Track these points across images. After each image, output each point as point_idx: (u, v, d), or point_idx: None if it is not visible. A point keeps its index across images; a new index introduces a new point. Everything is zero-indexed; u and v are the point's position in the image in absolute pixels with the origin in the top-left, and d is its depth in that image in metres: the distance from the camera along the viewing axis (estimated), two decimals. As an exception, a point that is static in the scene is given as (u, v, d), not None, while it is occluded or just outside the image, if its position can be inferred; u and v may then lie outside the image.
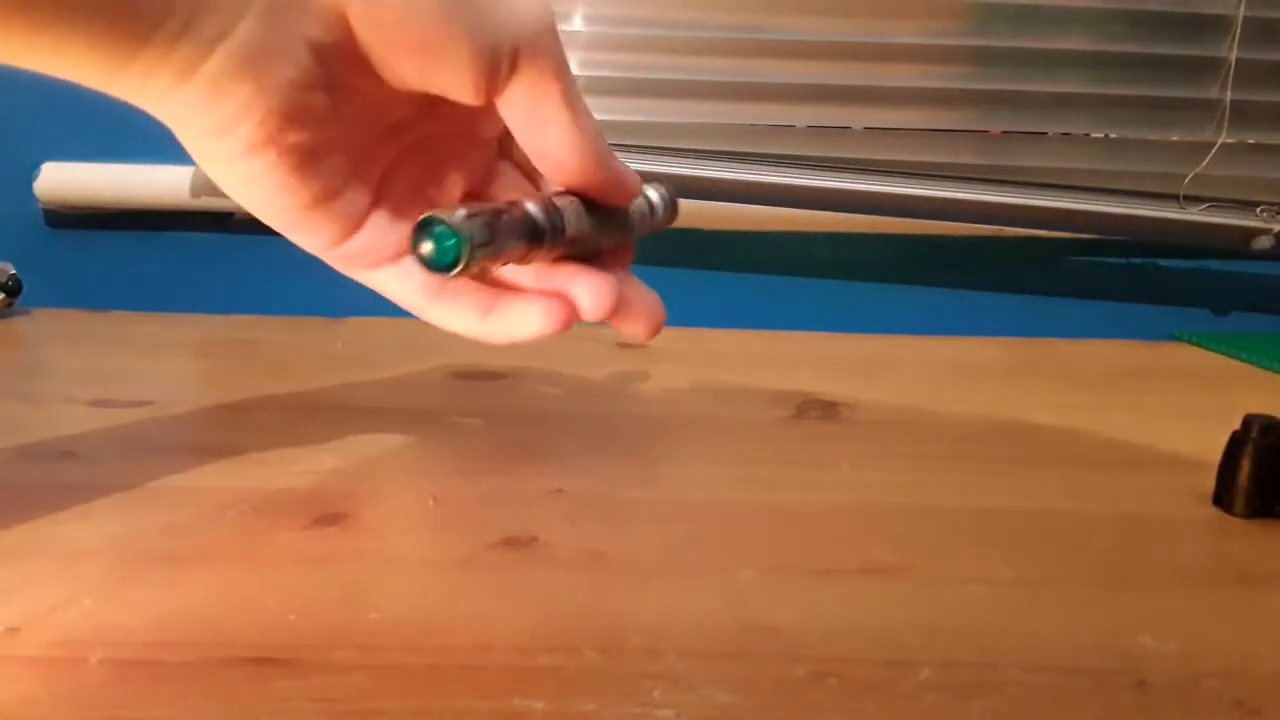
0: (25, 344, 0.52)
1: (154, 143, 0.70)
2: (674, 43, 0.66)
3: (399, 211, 0.27)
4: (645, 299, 0.30)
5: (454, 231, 0.23)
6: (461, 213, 0.24)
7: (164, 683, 0.19)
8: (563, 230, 0.27)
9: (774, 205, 0.65)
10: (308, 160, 0.24)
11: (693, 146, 0.66)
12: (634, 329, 0.30)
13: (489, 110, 0.26)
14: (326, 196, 0.25)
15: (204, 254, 0.66)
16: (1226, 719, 0.19)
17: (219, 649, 0.20)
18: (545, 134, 0.26)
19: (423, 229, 0.23)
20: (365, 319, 0.58)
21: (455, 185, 0.29)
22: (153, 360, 0.48)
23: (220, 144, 0.23)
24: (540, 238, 0.26)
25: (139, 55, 0.22)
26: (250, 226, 0.71)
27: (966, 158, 0.65)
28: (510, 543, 0.26)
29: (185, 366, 0.48)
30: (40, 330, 0.55)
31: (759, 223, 0.66)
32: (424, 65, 0.24)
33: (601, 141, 0.27)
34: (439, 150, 0.28)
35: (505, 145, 0.30)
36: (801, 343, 0.56)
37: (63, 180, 0.63)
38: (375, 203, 0.27)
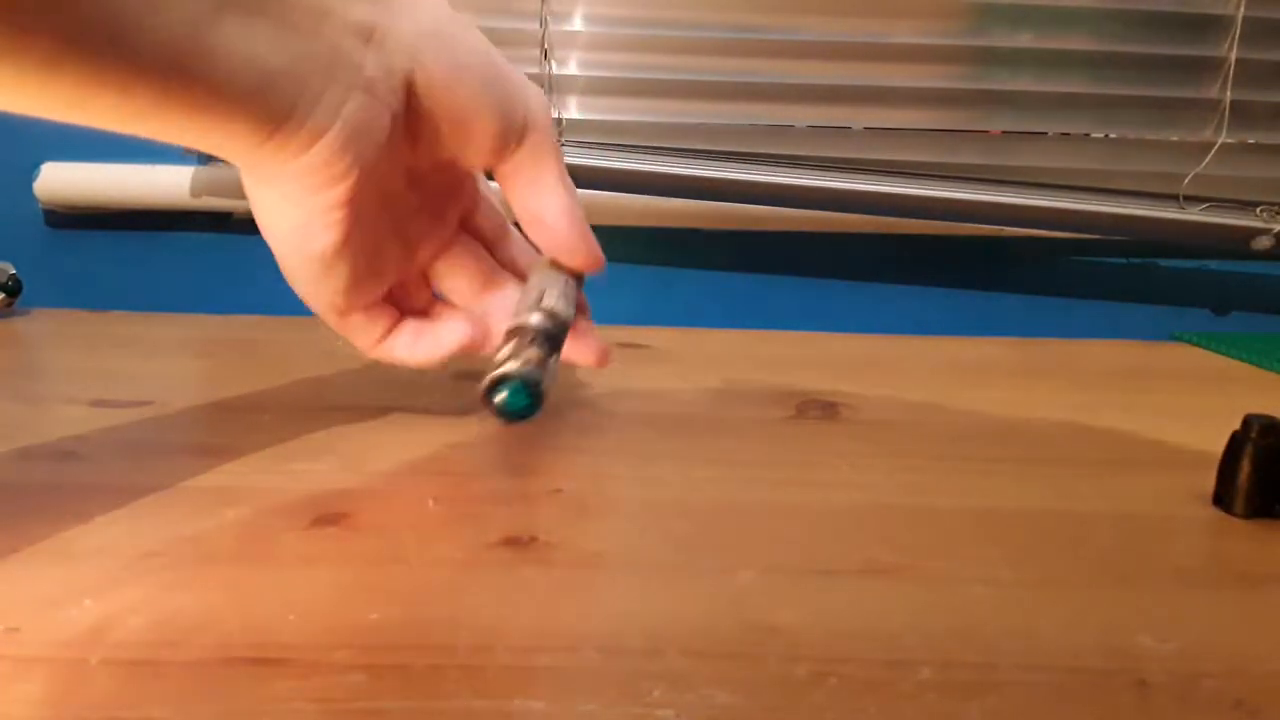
0: (25, 344, 0.52)
1: (153, 143, 0.70)
2: (674, 43, 0.66)
3: (378, 268, 0.31)
4: (594, 332, 0.36)
5: (524, 383, 0.28)
6: (517, 364, 0.28)
7: (164, 682, 0.19)
8: (567, 322, 0.31)
9: (774, 205, 0.65)
10: (365, 211, 0.29)
11: (693, 146, 0.66)
12: (585, 357, 0.35)
13: (464, 185, 0.33)
14: (366, 250, 0.30)
15: (204, 254, 0.66)
16: (1226, 718, 0.19)
17: (219, 649, 0.20)
18: (544, 200, 0.30)
19: (497, 386, 0.28)
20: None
21: (426, 251, 0.33)
22: (153, 360, 0.48)
23: (309, 199, 0.27)
24: (560, 342, 0.31)
25: (276, 135, 0.25)
26: (250, 227, 0.71)
27: (966, 158, 0.65)
28: (510, 543, 0.26)
29: (185, 366, 0.48)
30: (40, 330, 0.55)
31: (759, 223, 0.66)
32: (459, 128, 0.28)
33: (583, 213, 0.32)
34: (417, 218, 0.33)
35: (465, 219, 0.35)
36: (801, 343, 0.56)
37: (63, 180, 0.63)
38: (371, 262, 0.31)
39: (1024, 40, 0.64)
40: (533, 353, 0.29)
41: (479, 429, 0.37)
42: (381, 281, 0.32)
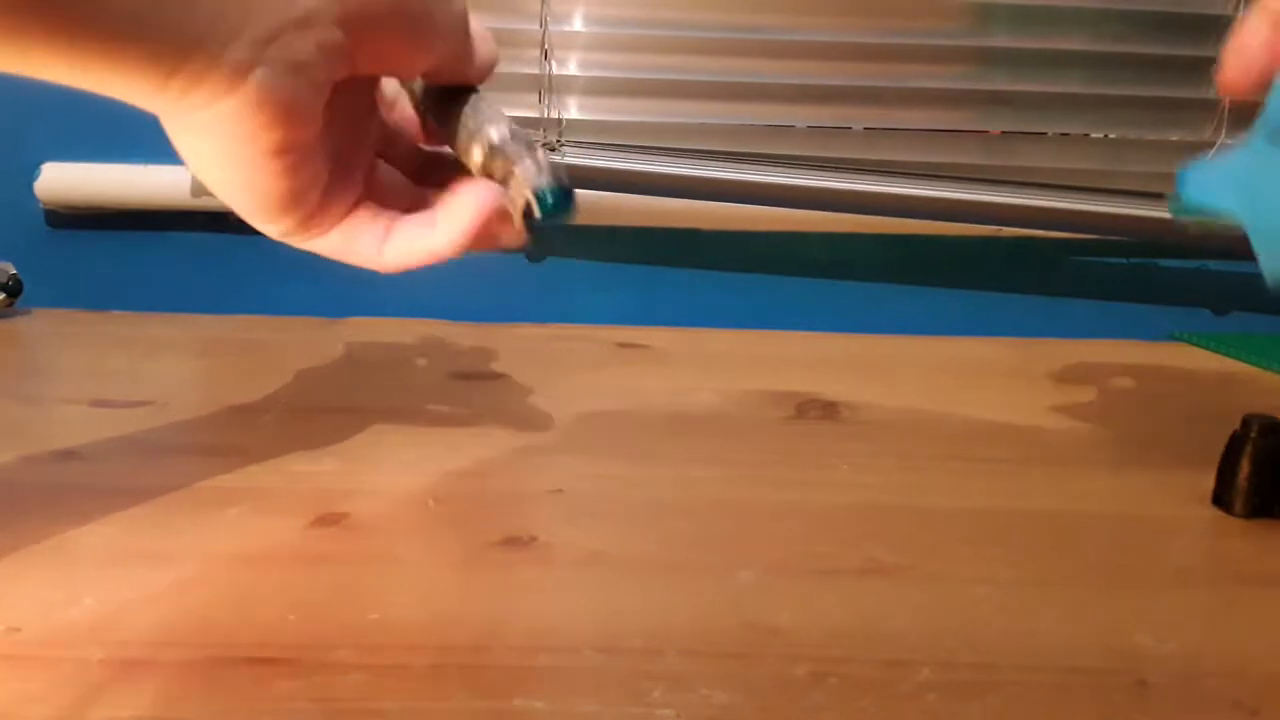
0: (26, 344, 0.52)
1: (154, 143, 0.70)
2: (674, 43, 0.66)
3: (341, 181, 0.28)
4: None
5: (557, 185, 0.27)
6: (535, 172, 0.27)
7: (165, 682, 0.19)
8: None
9: (774, 205, 0.65)
10: (308, 154, 0.26)
11: (692, 147, 0.66)
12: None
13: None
14: (315, 181, 0.27)
15: (204, 254, 0.66)
16: (1225, 718, 0.19)
17: (220, 648, 0.20)
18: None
19: (539, 200, 0.27)
20: (365, 319, 0.58)
21: (368, 148, 0.30)
22: (153, 360, 0.48)
23: (238, 148, 0.24)
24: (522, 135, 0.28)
25: (176, 76, 0.22)
26: (250, 227, 0.71)
27: (966, 158, 0.65)
28: (510, 543, 0.26)
29: (186, 366, 0.48)
30: (41, 330, 0.55)
31: (759, 223, 0.66)
32: (402, 55, 0.26)
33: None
34: (357, 123, 0.30)
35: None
36: (801, 343, 0.56)
37: (63, 180, 0.63)
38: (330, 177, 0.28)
39: (1024, 40, 0.63)
40: (533, 156, 0.27)
41: (479, 429, 0.37)
42: (349, 193, 0.29)
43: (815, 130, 0.67)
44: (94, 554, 0.25)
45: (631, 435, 0.37)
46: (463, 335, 0.54)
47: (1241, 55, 0.28)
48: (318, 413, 0.38)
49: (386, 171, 0.31)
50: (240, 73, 0.22)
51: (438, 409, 0.39)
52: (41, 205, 0.64)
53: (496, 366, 0.46)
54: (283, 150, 0.24)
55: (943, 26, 0.65)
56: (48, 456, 0.33)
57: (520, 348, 0.51)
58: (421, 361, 0.47)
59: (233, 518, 0.27)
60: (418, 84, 0.30)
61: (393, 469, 0.32)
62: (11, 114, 0.63)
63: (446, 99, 0.29)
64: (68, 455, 0.33)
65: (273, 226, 0.28)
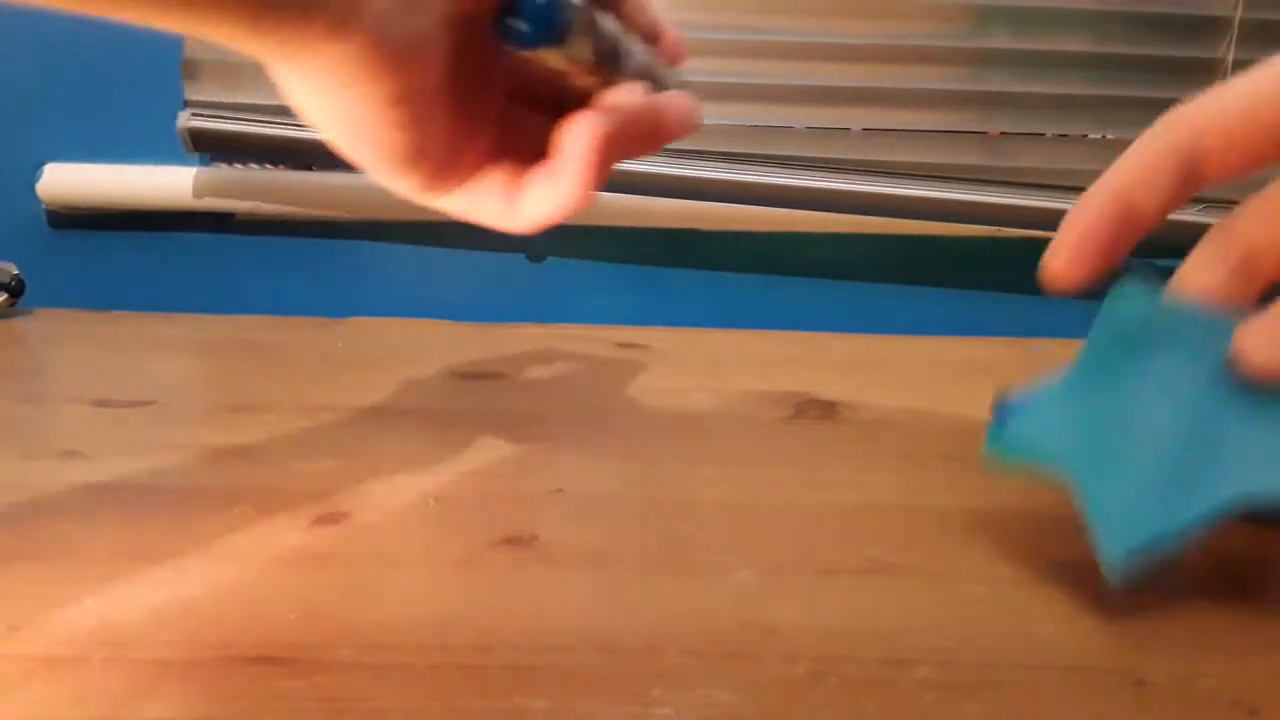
0: (28, 344, 0.52)
1: (156, 143, 0.70)
2: (674, 43, 0.66)
3: (469, 132, 0.25)
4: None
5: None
6: None
7: (166, 682, 0.19)
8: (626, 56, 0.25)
9: (774, 205, 0.65)
10: (431, 102, 0.23)
11: (693, 147, 0.66)
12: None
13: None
14: (441, 132, 0.24)
15: (206, 254, 0.66)
16: (1225, 718, 0.19)
17: (221, 648, 0.20)
18: None
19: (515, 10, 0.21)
20: (365, 319, 0.58)
21: (497, 93, 0.27)
22: (155, 360, 0.48)
23: (360, 94, 0.22)
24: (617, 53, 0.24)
25: (271, 19, 0.20)
26: (251, 227, 0.72)
27: (966, 158, 0.65)
28: (510, 542, 0.26)
29: (187, 366, 0.48)
30: (43, 330, 0.55)
31: (759, 223, 0.66)
32: None
33: None
34: (485, 63, 0.26)
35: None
36: (801, 343, 0.56)
37: (65, 181, 0.63)
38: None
39: (1023, 41, 0.64)
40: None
41: (479, 429, 0.37)
42: (479, 145, 0.25)
43: (815, 130, 0.67)
44: (95, 553, 0.25)
45: (631, 435, 0.37)
46: (463, 335, 0.54)
47: (1079, 236, 0.23)
48: (319, 412, 0.38)
49: (523, 119, 0.27)
50: (351, 12, 0.20)
51: (438, 409, 0.39)
52: (43, 205, 0.64)
53: (496, 366, 0.47)
54: (402, 99, 0.22)
55: (942, 28, 0.66)
56: (49, 456, 0.33)
57: (520, 348, 0.51)
58: (421, 361, 0.47)
59: (234, 517, 0.27)
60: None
61: (393, 468, 0.32)
62: (13, 114, 0.63)
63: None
64: (69, 455, 0.33)
65: (400, 183, 0.25)
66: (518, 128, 0.27)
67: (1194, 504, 0.22)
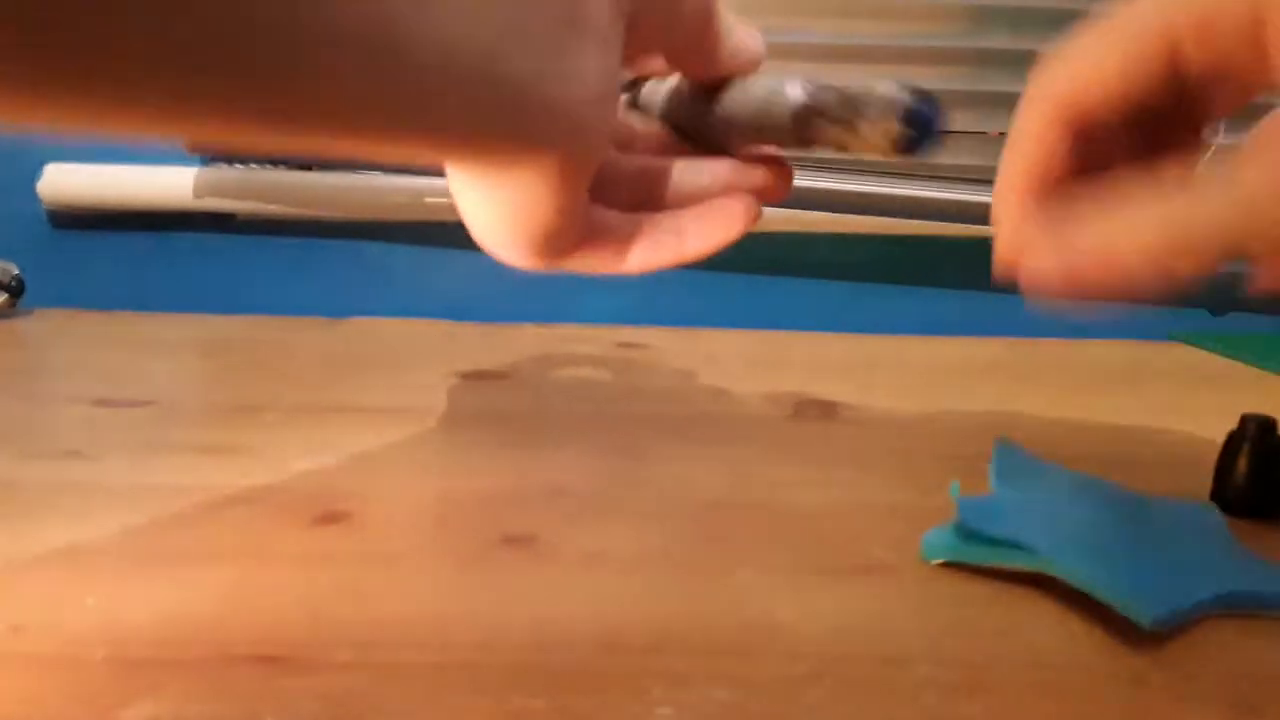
0: (29, 344, 0.52)
1: (156, 144, 0.70)
2: (674, 43, 0.66)
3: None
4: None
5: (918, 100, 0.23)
6: (892, 87, 0.24)
7: (167, 681, 0.19)
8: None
9: (773, 205, 0.65)
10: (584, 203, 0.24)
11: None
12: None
13: None
14: (579, 226, 0.25)
15: (207, 255, 0.66)
16: (1224, 717, 0.19)
17: (222, 647, 0.20)
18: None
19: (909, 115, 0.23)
20: (366, 319, 0.58)
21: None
22: (155, 360, 0.48)
23: (534, 208, 0.22)
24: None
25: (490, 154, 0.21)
26: (252, 227, 0.72)
27: (966, 158, 0.65)
28: (510, 542, 0.26)
29: (187, 366, 0.48)
30: (43, 330, 0.55)
31: (759, 223, 0.67)
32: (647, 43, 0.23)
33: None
34: None
35: None
36: (800, 343, 0.56)
37: (66, 181, 0.63)
38: None
39: (1023, 42, 0.64)
40: (872, 85, 0.24)
41: (479, 429, 0.37)
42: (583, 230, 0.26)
43: (815, 131, 0.67)
44: (97, 553, 0.25)
45: (632, 435, 0.37)
46: (463, 335, 0.54)
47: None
48: (320, 412, 0.38)
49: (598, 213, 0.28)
50: (559, 134, 0.20)
51: (438, 409, 0.39)
52: (44, 206, 0.64)
53: (497, 366, 0.47)
54: (568, 207, 0.23)
55: (942, 28, 0.66)
56: (51, 456, 0.33)
57: (520, 348, 0.51)
58: (421, 361, 0.47)
59: (235, 517, 0.28)
60: (659, 89, 0.27)
61: (394, 468, 0.32)
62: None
63: (697, 97, 0.26)
64: (71, 455, 0.33)
65: (524, 264, 0.25)
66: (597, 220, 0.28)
67: (1194, 590, 0.23)
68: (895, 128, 0.23)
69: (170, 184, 0.62)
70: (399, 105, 0.17)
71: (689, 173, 0.28)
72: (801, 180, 0.65)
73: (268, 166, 0.64)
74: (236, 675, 0.19)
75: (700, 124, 0.27)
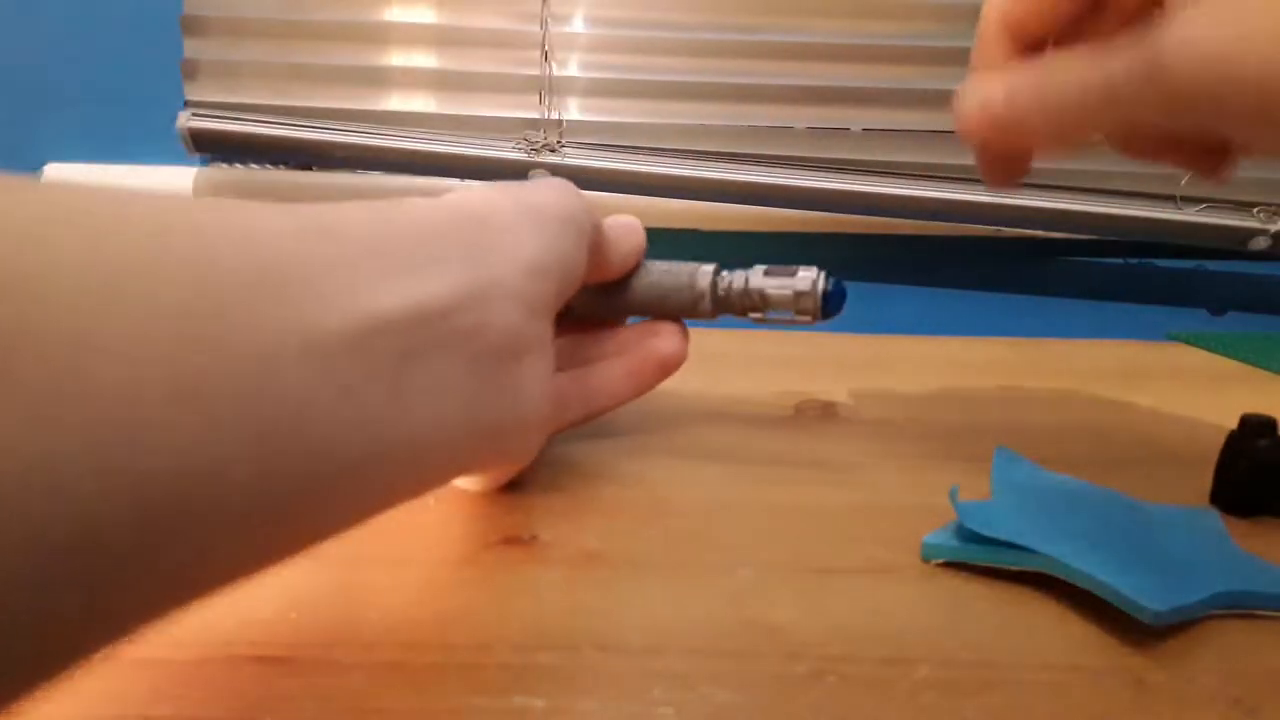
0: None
1: (156, 143, 0.70)
2: (674, 45, 0.66)
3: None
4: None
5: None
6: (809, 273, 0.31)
7: (166, 681, 0.19)
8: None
9: (774, 206, 0.65)
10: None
11: (693, 147, 0.66)
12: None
13: None
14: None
15: (204, 254, 0.66)
16: (1224, 717, 0.19)
17: (221, 647, 0.20)
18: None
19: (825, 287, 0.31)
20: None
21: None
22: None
23: (498, 470, 0.29)
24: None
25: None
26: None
27: (965, 158, 0.65)
28: (510, 542, 0.26)
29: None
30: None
31: (759, 223, 0.67)
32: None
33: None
34: None
35: None
36: (800, 342, 0.56)
37: (66, 180, 0.63)
38: None
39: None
40: (790, 272, 0.32)
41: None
42: None
43: (814, 131, 0.67)
44: (96, 553, 0.25)
45: (632, 435, 0.37)
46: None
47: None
48: (318, 413, 0.38)
49: None
50: (509, 461, 0.28)
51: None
52: (42, 206, 0.64)
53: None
54: (530, 458, 0.28)
55: (942, 28, 0.66)
56: (49, 456, 0.33)
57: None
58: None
59: (234, 517, 0.27)
60: None
61: (393, 469, 0.32)
62: (15, 115, 0.63)
63: (602, 290, 0.33)
64: (69, 455, 0.33)
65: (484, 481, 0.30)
66: None
67: (1196, 587, 0.23)
68: (800, 312, 0.32)
69: (170, 184, 0.62)
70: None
71: (600, 341, 0.34)
72: (802, 180, 0.65)
73: (268, 166, 0.64)
74: (235, 675, 0.19)
75: (608, 310, 0.34)
